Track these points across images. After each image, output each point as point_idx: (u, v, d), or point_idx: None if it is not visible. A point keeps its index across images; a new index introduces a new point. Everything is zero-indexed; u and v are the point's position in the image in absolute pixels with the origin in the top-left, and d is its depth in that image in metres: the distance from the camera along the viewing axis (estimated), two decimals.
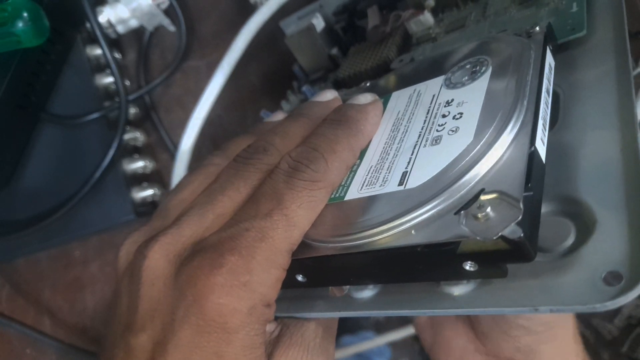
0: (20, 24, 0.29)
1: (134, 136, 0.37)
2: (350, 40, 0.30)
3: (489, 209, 0.14)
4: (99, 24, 0.35)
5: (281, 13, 0.33)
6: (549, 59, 0.19)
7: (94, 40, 0.36)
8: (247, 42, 0.33)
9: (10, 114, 0.33)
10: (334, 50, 0.30)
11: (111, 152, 0.35)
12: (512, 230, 0.13)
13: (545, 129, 0.17)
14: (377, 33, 0.27)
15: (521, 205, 0.13)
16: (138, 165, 0.37)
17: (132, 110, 0.38)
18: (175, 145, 0.38)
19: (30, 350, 0.38)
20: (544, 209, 0.17)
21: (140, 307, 0.18)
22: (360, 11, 0.29)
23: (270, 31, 0.33)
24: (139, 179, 0.37)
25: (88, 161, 0.35)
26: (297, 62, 0.31)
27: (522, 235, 0.13)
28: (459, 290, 0.16)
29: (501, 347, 0.27)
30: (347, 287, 0.19)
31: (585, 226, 0.15)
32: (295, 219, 0.17)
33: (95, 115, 0.36)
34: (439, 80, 0.20)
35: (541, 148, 0.16)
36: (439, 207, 0.15)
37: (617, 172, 0.16)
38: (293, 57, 0.31)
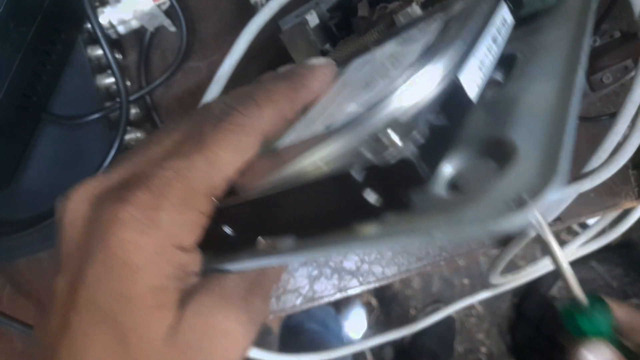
0: None
1: (135, 137, 0.37)
2: (343, 37, 0.30)
3: (392, 135, 0.14)
4: (99, 25, 0.35)
5: (282, 14, 0.33)
6: (504, 13, 0.19)
7: (95, 41, 0.36)
8: (248, 43, 0.33)
9: (12, 114, 0.33)
10: (327, 46, 0.30)
11: (112, 153, 0.35)
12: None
13: (481, 71, 0.17)
14: (364, 23, 0.27)
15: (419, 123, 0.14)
16: None
17: (133, 111, 0.38)
18: None
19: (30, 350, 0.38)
20: (472, 151, 0.17)
21: (62, 250, 0.18)
22: (354, 8, 0.29)
23: (271, 32, 0.33)
24: None
25: (89, 161, 0.35)
26: (292, 59, 0.31)
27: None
28: (368, 229, 0.16)
29: None
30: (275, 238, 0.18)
31: (507, 164, 0.15)
32: (217, 161, 0.17)
33: (96, 116, 0.36)
34: (394, 41, 0.21)
35: (470, 85, 0.16)
36: (350, 141, 0.16)
37: (547, 115, 0.16)
38: (291, 56, 0.31)
